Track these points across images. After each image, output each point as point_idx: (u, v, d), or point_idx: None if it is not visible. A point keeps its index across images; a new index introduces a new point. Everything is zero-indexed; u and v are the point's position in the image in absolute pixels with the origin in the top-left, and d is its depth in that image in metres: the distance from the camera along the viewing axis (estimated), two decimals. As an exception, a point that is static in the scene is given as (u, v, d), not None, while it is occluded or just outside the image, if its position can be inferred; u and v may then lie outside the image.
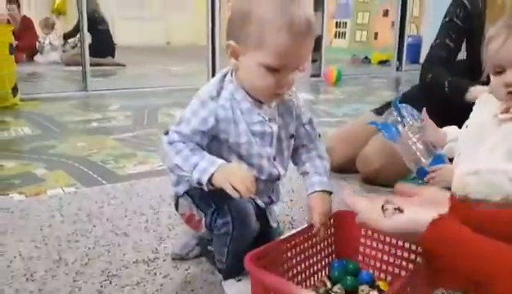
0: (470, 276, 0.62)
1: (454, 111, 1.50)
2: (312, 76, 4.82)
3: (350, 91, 4.13)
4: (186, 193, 1.01)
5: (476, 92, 1.50)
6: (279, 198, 1.10)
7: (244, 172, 0.87)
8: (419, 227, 0.68)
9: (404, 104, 1.37)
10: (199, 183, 0.88)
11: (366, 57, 6.53)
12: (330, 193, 1.00)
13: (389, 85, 4.68)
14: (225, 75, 0.96)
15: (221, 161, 0.89)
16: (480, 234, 0.69)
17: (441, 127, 1.51)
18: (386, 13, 6.76)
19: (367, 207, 0.79)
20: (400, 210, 0.73)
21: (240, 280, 0.97)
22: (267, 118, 0.95)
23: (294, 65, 0.87)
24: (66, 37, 6.25)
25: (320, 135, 1.08)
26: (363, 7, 7.09)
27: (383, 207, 0.74)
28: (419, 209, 0.74)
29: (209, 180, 0.87)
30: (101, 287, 1.02)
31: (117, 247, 1.20)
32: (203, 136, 0.92)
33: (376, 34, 7.07)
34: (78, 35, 5.89)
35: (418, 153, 1.19)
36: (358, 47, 7.12)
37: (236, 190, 0.83)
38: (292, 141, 1.03)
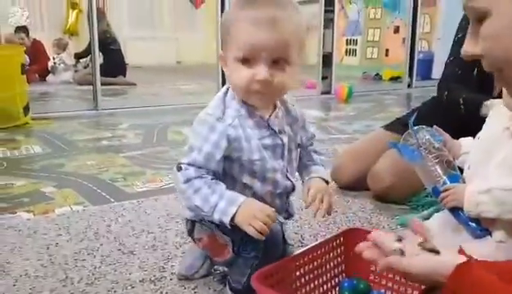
0: None
1: (469, 128, 1.47)
2: (323, 93, 4.82)
3: (361, 108, 4.11)
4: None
5: (491, 106, 1.47)
6: (294, 212, 1.08)
7: (265, 210, 0.86)
8: (445, 269, 0.67)
9: (421, 126, 1.35)
10: (221, 222, 0.87)
11: (377, 74, 6.52)
12: (327, 182, 1.02)
13: (401, 101, 4.65)
14: (225, 93, 0.95)
15: (240, 199, 0.87)
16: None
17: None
18: (397, 30, 6.77)
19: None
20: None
21: None
22: (276, 130, 0.94)
23: (263, 56, 0.85)
24: (77, 57, 6.33)
25: (314, 136, 1.10)
26: (374, 24, 7.11)
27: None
28: (444, 250, 0.72)
29: (231, 223, 0.86)
30: (107, 306, 1.00)
31: (123, 266, 1.18)
32: (218, 162, 0.90)
33: (387, 51, 7.07)
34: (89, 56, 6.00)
35: (436, 175, 1.17)
36: (369, 64, 7.12)
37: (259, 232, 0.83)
38: (298, 151, 1.03)
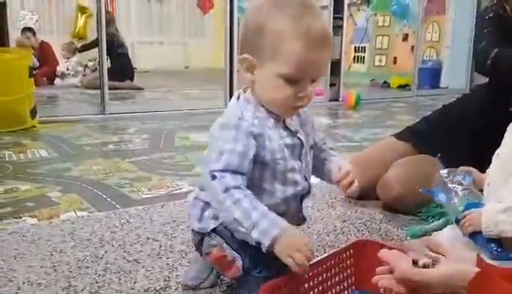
0: None
1: (480, 138, 1.45)
2: (331, 100, 4.80)
3: (369, 116, 4.08)
4: (215, 230, 0.94)
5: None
6: (306, 216, 1.06)
7: (308, 245, 0.83)
8: (465, 276, 0.66)
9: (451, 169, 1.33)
10: (258, 243, 0.81)
11: (385, 81, 6.49)
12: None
13: (409, 109, 4.62)
14: (238, 98, 0.92)
15: (284, 223, 0.82)
16: None
17: (467, 154, 1.46)
18: (406, 37, 6.74)
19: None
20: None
21: None
22: (293, 130, 0.93)
23: (312, 75, 0.85)
24: (82, 49, 6.34)
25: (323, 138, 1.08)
26: (382, 32, 7.09)
27: (414, 261, 0.74)
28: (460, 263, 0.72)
29: (270, 246, 0.80)
30: (110, 316, 0.98)
31: (128, 275, 1.16)
32: (250, 162, 0.86)
33: (395, 59, 7.04)
34: (93, 53, 6.01)
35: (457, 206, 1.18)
36: (377, 72, 7.09)
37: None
38: (312, 152, 1.00)
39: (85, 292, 1.07)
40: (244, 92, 0.93)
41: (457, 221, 1.12)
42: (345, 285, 0.95)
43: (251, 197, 0.83)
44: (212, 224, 0.94)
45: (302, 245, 0.81)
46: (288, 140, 0.92)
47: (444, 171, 1.29)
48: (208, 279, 1.08)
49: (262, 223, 0.80)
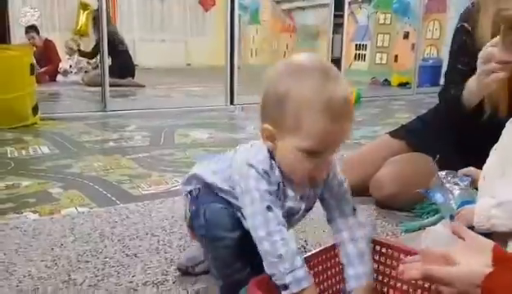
0: None
1: (472, 136, 1.47)
2: (331, 98, 4.81)
3: (369, 114, 4.10)
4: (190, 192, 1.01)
5: (469, 86, 1.45)
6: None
7: None
8: (476, 278, 0.68)
9: (449, 171, 1.36)
10: (285, 286, 0.81)
11: (386, 80, 6.50)
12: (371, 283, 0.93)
13: (408, 107, 4.63)
14: (271, 154, 0.88)
15: (312, 279, 0.83)
16: None
17: (462, 151, 1.48)
18: (406, 35, 6.75)
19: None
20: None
21: None
22: (298, 197, 0.92)
23: (334, 147, 0.82)
24: (81, 55, 6.38)
25: (355, 209, 0.97)
26: (383, 30, 7.09)
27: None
28: (472, 261, 0.73)
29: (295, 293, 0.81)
30: (108, 309, 1.01)
31: (126, 269, 1.19)
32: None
33: (396, 57, 7.05)
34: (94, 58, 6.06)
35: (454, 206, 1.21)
36: (378, 70, 7.10)
37: None
38: (306, 214, 0.98)
39: (85, 285, 1.10)
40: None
41: (452, 218, 1.15)
42: (337, 279, 0.97)
43: (294, 239, 0.84)
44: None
45: None
46: (289, 203, 0.90)
47: (442, 173, 1.32)
48: (204, 264, 1.11)
49: (299, 272, 0.81)
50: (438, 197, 1.28)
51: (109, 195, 1.78)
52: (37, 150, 2.50)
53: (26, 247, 1.30)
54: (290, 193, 0.90)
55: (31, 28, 6.21)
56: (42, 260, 1.22)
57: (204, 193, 0.98)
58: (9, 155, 2.37)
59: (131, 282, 1.12)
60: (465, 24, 1.57)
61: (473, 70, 1.49)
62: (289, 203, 0.90)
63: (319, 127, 0.78)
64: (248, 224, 0.86)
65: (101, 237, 1.38)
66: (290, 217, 0.92)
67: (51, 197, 1.75)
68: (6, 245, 1.31)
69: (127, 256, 1.26)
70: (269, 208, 0.83)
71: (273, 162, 0.87)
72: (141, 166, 2.22)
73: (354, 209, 0.96)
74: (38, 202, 1.68)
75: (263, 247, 0.82)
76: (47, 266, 1.19)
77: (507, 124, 1.12)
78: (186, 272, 1.14)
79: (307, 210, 0.97)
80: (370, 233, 0.96)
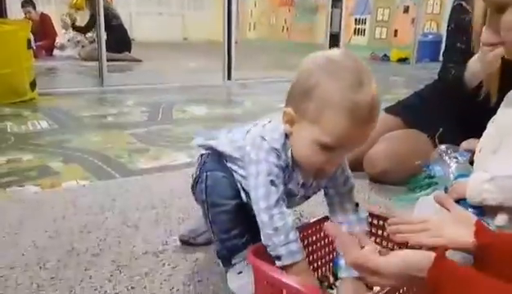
0: None
1: (470, 112, 1.49)
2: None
3: (365, 89, 4.10)
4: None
5: (471, 66, 1.48)
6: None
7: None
8: (417, 269, 0.68)
9: (449, 145, 1.38)
10: (278, 257, 0.86)
11: (385, 55, 6.49)
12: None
13: (407, 83, 4.65)
14: (286, 136, 0.90)
15: (304, 254, 0.87)
16: (500, 262, 0.71)
17: (461, 127, 1.51)
18: (406, 10, 6.71)
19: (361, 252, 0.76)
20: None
21: (240, 273, 0.99)
22: (301, 183, 0.94)
23: (351, 147, 0.84)
24: (76, 29, 6.34)
25: (358, 205, 0.99)
26: (383, 4, 7.05)
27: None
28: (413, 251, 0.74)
29: (289, 265, 0.85)
30: (111, 276, 1.05)
31: (127, 239, 1.23)
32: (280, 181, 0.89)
33: (396, 31, 7.02)
34: (88, 33, 6.01)
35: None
36: (378, 44, 7.08)
37: None
38: (305, 200, 1.02)
39: (87, 255, 1.14)
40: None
41: (446, 190, 1.18)
42: (330, 249, 1.01)
43: (292, 215, 0.88)
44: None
45: (311, 277, 0.88)
46: (291, 185, 0.93)
47: (443, 147, 1.34)
48: (204, 235, 1.15)
49: (293, 245, 0.85)
50: (437, 170, 1.31)
51: (108, 169, 1.82)
52: (36, 125, 2.52)
53: (29, 219, 1.34)
54: (295, 176, 0.92)
55: (27, 3, 6.15)
56: (45, 231, 1.26)
57: (212, 161, 1.02)
58: (9, 130, 2.39)
59: (132, 251, 1.16)
60: (463, 3, 1.58)
61: (472, 48, 1.52)
62: (290, 186, 0.93)
63: (340, 128, 0.78)
64: (250, 195, 0.90)
65: (102, 209, 1.42)
66: (288, 198, 0.94)
67: (51, 171, 1.78)
68: (10, 216, 1.35)
69: (127, 227, 1.30)
70: (272, 182, 0.87)
71: (287, 142, 0.88)
72: (139, 141, 2.25)
73: (357, 205, 0.98)
74: (40, 176, 1.71)
75: (262, 218, 0.86)
76: (51, 237, 1.23)
77: (505, 98, 1.14)
78: (187, 242, 1.19)
79: (307, 198, 1.00)
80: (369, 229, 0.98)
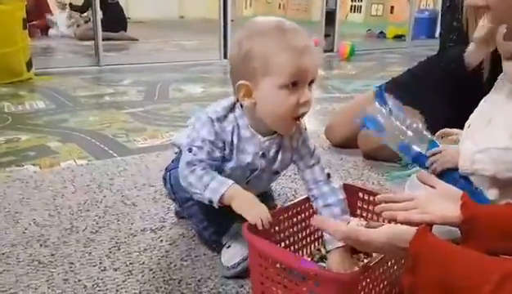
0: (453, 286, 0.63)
1: (463, 91, 1.50)
2: (326, 51, 4.80)
3: (362, 67, 4.11)
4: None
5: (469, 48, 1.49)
6: (264, 186, 1.13)
7: (258, 202, 0.92)
8: (403, 240, 0.71)
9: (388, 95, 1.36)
10: (210, 201, 0.94)
11: (382, 32, 6.45)
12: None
13: (403, 60, 4.64)
14: (236, 101, 0.97)
15: (231, 181, 0.93)
16: (486, 234, 0.73)
17: (451, 105, 1.52)
18: (403, -15, 6.66)
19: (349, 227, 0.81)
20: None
21: (229, 247, 1.03)
22: (260, 153, 0.98)
23: (306, 79, 0.89)
24: (73, 9, 6.28)
25: (329, 175, 1.02)
26: (379, -19, 6.99)
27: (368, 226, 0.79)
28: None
29: (220, 200, 0.92)
30: (110, 252, 1.08)
31: (126, 217, 1.26)
32: (212, 147, 0.95)
33: (392, 8, 6.97)
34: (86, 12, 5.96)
35: (407, 141, 1.16)
36: (374, 22, 7.04)
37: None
38: (275, 177, 1.07)
39: (87, 232, 1.17)
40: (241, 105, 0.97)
41: (420, 158, 1.14)
42: (314, 228, 1.04)
43: (205, 165, 0.95)
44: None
45: (257, 204, 0.91)
46: (248, 158, 0.97)
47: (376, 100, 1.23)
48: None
49: (212, 184, 0.93)
50: (373, 122, 1.20)
51: (106, 148, 1.84)
52: (33, 105, 2.53)
53: (29, 198, 1.36)
54: (249, 147, 0.96)
55: None
56: (45, 210, 1.29)
57: (177, 159, 1.06)
58: (6, 110, 2.40)
59: (130, 228, 1.19)
60: None
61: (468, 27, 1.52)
62: (247, 159, 0.96)
63: (288, 62, 0.86)
64: None
65: (100, 188, 1.44)
66: (251, 173, 0.99)
67: (50, 150, 1.80)
68: (10, 196, 1.37)
69: (126, 205, 1.33)
70: (189, 150, 0.95)
71: (230, 116, 0.95)
72: (136, 120, 2.27)
73: (328, 176, 1.01)
74: (38, 156, 1.74)
75: (182, 183, 0.97)
76: (51, 215, 1.26)
77: (498, 78, 1.16)
78: (183, 217, 1.21)
79: (275, 173, 1.03)
80: (344, 197, 1.00)
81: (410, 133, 1.15)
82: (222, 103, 0.97)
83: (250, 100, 0.91)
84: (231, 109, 0.96)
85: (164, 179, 1.15)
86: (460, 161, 1.06)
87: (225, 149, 0.96)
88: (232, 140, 0.95)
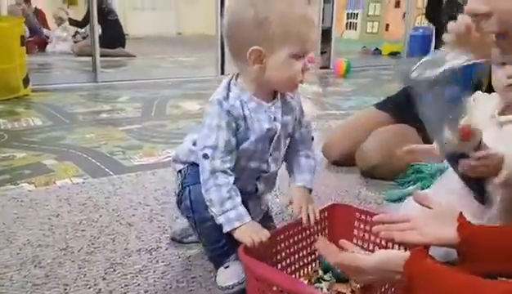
0: None
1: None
2: (322, 68, 4.83)
3: (358, 84, 4.13)
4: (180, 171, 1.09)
5: (475, 98, 1.49)
6: (270, 188, 1.13)
7: (264, 232, 0.92)
8: (396, 264, 0.71)
9: None
10: (220, 225, 0.94)
11: (377, 49, 6.51)
12: (310, 190, 1.06)
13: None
14: (230, 80, 1.00)
15: (246, 219, 0.94)
16: (483, 255, 0.73)
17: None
18: (398, 4, 6.72)
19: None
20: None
21: (227, 267, 1.02)
22: (272, 117, 1.00)
23: (311, 49, 0.97)
24: (72, 24, 6.32)
25: (313, 138, 1.12)
26: (375, -2, 7.06)
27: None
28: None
29: (230, 232, 0.93)
30: (105, 274, 1.07)
31: (121, 237, 1.25)
32: (227, 135, 0.96)
33: (387, 26, 7.03)
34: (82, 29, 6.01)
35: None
36: (369, 39, 7.09)
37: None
38: (288, 140, 1.07)
39: (82, 253, 1.16)
40: (235, 79, 1.00)
41: (460, 156, 0.90)
42: (308, 251, 1.03)
43: (231, 186, 0.95)
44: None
45: (259, 229, 0.92)
46: (266, 124, 0.99)
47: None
48: (195, 234, 1.17)
49: (230, 214, 0.93)
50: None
51: (102, 166, 1.83)
52: (29, 122, 2.53)
53: (24, 217, 1.35)
54: (261, 115, 0.98)
55: None
56: (40, 229, 1.28)
57: (192, 173, 1.04)
58: (2, 127, 2.40)
59: (126, 249, 1.18)
60: None
61: None
62: (265, 124, 0.98)
63: (303, 34, 0.93)
64: None
65: (96, 207, 1.44)
66: (271, 142, 1.01)
67: (45, 168, 1.79)
68: (5, 215, 1.36)
69: (121, 224, 1.32)
70: (205, 156, 0.95)
71: (233, 91, 0.98)
72: (133, 137, 2.26)
73: (312, 139, 1.11)
74: (34, 174, 1.73)
75: (204, 195, 0.96)
76: (45, 235, 1.25)
77: (474, 104, 1.15)
78: (179, 241, 1.21)
79: (287, 136, 1.06)
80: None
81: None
82: (220, 87, 0.99)
83: (260, 65, 0.94)
84: (229, 88, 0.98)
85: (179, 196, 1.07)
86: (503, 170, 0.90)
87: (240, 127, 0.97)
88: (244, 114, 0.97)
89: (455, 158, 0.94)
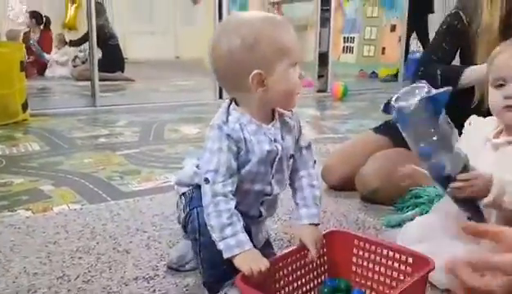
0: None
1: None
2: (319, 91, 4.87)
3: (355, 107, 4.16)
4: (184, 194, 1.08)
5: (469, 73, 1.54)
6: (272, 213, 1.13)
7: (263, 261, 0.91)
8: None
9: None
10: (221, 251, 0.93)
11: (374, 72, 6.57)
12: (317, 224, 1.04)
13: (395, 100, 4.70)
14: (228, 105, 1.00)
15: (246, 247, 0.92)
16: None
17: None
18: (394, 28, 6.80)
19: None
20: None
21: None
22: (272, 139, 1.00)
23: (300, 55, 1.00)
24: (72, 44, 6.38)
25: (315, 162, 1.10)
26: (371, 22, 7.13)
27: None
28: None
29: (229, 258, 0.92)
30: (102, 303, 1.06)
31: (118, 264, 1.23)
32: (228, 155, 0.95)
33: (384, 49, 7.10)
34: (83, 45, 6.06)
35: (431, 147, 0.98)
36: (366, 62, 7.15)
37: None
38: (291, 161, 1.06)
39: (78, 281, 1.15)
40: (231, 102, 1.01)
41: (447, 179, 1.00)
42: (318, 272, 1.02)
43: (232, 212, 0.94)
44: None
45: (258, 258, 0.91)
46: (266, 146, 0.98)
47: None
48: (193, 261, 1.16)
49: (230, 240, 0.92)
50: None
51: (100, 192, 1.83)
52: (27, 147, 2.53)
53: (21, 244, 1.34)
54: (260, 137, 0.98)
55: (34, 17, 6.19)
56: (36, 257, 1.27)
57: (198, 196, 1.02)
58: (0, 153, 2.40)
59: (122, 277, 1.17)
60: (460, 12, 1.65)
61: (455, 52, 1.66)
62: (266, 146, 0.98)
63: (291, 43, 0.95)
64: None
65: (93, 234, 1.43)
66: (273, 163, 1.00)
67: (43, 194, 1.79)
68: (1, 242, 1.35)
69: (118, 252, 1.31)
70: (206, 180, 0.94)
71: (232, 115, 0.98)
72: (131, 162, 2.26)
73: (315, 162, 1.10)
74: (31, 200, 1.72)
75: (206, 220, 0.95)
76: (42, 263, 1.24)
77: (469, 127, 1.17)
78: (176, 269, 1.19)
79: (290, 157, 1.05)
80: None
81: (436, 138, 0.97)
82: (219, 112, 1.00)
83: (263, 88, 0.94)
84: (229, 112, 0.99)
85: (186, 217, 1.05)
86: (493, 188, 0.98)
87: (241, 150, 0.97)
88: (245, 137, 0.97)
89: (442, 181, 1.00)
